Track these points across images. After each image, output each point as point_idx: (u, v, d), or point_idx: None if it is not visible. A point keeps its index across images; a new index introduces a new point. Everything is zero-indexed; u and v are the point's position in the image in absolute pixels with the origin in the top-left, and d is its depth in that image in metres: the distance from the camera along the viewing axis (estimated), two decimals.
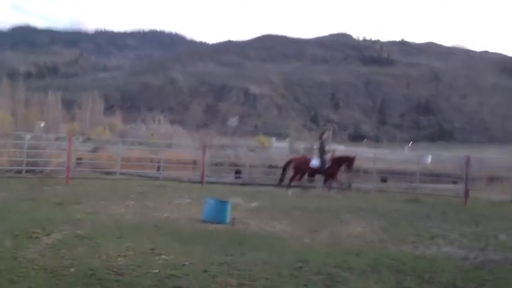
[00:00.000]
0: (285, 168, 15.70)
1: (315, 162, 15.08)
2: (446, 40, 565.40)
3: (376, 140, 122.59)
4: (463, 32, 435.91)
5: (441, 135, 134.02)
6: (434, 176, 21.44)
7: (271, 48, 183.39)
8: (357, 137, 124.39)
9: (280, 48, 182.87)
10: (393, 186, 19.20)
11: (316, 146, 15.88)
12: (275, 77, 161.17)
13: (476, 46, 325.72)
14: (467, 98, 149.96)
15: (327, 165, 14.91)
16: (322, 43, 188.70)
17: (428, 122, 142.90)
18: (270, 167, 24.32)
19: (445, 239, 8.23)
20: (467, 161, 15.87)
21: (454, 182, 18.09)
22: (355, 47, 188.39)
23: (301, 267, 5.81)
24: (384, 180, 19.73)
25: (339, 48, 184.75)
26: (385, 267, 6.07)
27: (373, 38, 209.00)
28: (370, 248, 7.22)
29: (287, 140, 77.96)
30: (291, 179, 15.52)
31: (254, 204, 11.44)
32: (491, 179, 19.32)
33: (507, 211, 13.05)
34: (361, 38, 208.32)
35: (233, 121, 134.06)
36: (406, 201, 14.25)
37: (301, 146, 60.93)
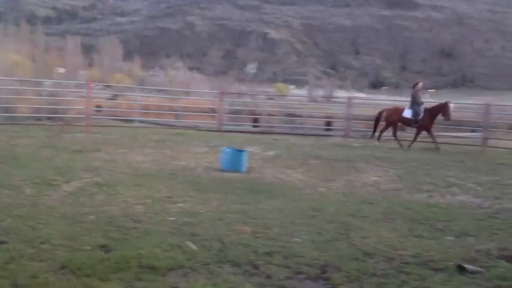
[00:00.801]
0: (377, 120, 15.36)
1: (407, 113, 14.54)
2: None
3: (397, 87, 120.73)
4: None
5: (464, 82, 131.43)
6: (454, 124, 21.14)
7: None
8: (377, 84, 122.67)
9: None
10: (412, 134, 18.97)
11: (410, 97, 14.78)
12: (294, 21, 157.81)
13: None
14: (490, 42, 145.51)
15: (420, 116, 14.30)
16: None
17: (451, 68, 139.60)
18: (289, 115, 24.29)
19: (460, 188, 8.22)
20: (487, 108, 15.60)
21: (473, 130, 17.82)
22: None
23: (315, 216, 5.88)
24: (402, 128, 19.50)
25: None
26: (398, 215, 6.13)
27: None
28: (384, 197, 7.27)
29: (306, 87, 77.40)
30: (382, 131, 15.19)
31: (271, 153, 11.51)
32: None
33: None
34: None
35: (252, 68, 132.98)
36: (423, 150, 14.16)
37: (320, 94, 60.57)
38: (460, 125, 21.31)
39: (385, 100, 38.19)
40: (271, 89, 68.31)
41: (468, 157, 12.78)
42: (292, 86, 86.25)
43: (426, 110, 14.35)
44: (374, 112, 16.13)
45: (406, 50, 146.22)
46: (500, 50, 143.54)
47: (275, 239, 4.85)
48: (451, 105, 14.15)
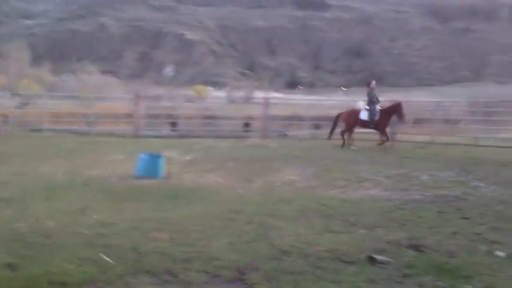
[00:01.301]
0: (335, 122, 15.49)
1: (363, 115, 14.67)
2: None
3: (311, 86, 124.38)
4: None
5: (372, 79, 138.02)
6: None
7: None
8: (293, 84, 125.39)
9: None
10: (326, 132, 19.65)
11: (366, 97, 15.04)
12: (210, 22, 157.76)
13: None
14: (396, 41, 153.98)
15: (377, 116, 14.46)
16: None
17: (360, 66, 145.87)
18: (208, 117, 24.23)
19: (371, 182, 8.63)
20: None
21: None
22: None
23: (234, 218, 5.91)
24: (317, 126, 20.16)
25: None
26: (314, 212, 6.31)
27: None
28: (301, 195, 7.46)
29: (225, 89, 77.54)
30: (342, 133, 15.30)
31: (189, 157, 11.43)
32: (417, 121, 20.25)
33: (429, 152, 13.84)
34: None
35: (169, 70, 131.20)
36: (337, 147, 14.71)
37: (239, 95, 60.88)
38: None
39: (301, 100, 39.22)
40: (190, 92, 67.71)
41: (378, 152, 13.48)
42: (212, 88, 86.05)
43: (381, 110, 14.60)
44: (290, 112, 16.53)
45: (318, 50, 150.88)
46: (405, 48, 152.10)
47: (193, 245, 4.82)
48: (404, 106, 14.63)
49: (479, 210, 6.57)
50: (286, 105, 29.40)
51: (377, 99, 14.80)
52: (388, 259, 4.49)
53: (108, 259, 4.31)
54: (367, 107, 14.68)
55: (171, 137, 17.58)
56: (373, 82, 15.31)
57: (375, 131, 14.86)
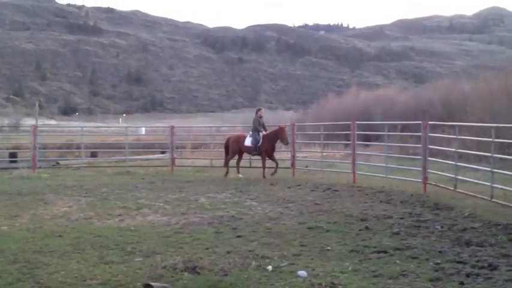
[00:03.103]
0: (226, 148, 14.39)
1: (247, 141, 13.94)
2: (152, 9, 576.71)
3: (89, 113, 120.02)
4: (167, 1, 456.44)
5: (153, 106, 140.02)
6: (146, 147, 22.17)
7: None
8: (68, 110, 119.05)
9: None
10: (104, 160, 19.04)
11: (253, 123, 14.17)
12: None
13: (180, 16, 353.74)
14: (174, 68, 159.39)
15: (260, 142, 13.80)
16: (21, 7, 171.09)
17: (140, 93, 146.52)
18: None
19: (150, 208, 8.58)
20: (172, 130, 16.83)
21: (163, 152, 18.90)
22: (59, 13, 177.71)
23: None
24: (94, 154, 19.39)
25: (40, 13, 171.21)
26: (88, 244, 6.02)
27: (78, 4, 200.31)
28: (74, 228, 7.05)
29: None
30: (226, 160, 14.25)
31: None
32: (197, 146, 20.98)
33: (208, 175, 14.38)
34: (64, 3, 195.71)
35: None
36: (116, 175, 14.34)
37: (5, 122, 55.15)
38: (151, 147, 22.50)
39: (77, 127, 37.40)
40: None
41: (159, 178, 13.51)
42: None
43: (264, 136, 14.13)
44: (65, 140, 15.55)
45: (95, 75, 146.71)
46: (183, 75, 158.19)
47: None
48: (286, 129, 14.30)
49: (252, 228, 6.97)
50: (61, 133, 27.70)
51: (263, 126, 14.47)
52: (165, 285, 4.47)
53: None
54: (251, 134, 14.43)
55: None
56: (262, 110, 14.97)
57: (259, 157, 14.44)
